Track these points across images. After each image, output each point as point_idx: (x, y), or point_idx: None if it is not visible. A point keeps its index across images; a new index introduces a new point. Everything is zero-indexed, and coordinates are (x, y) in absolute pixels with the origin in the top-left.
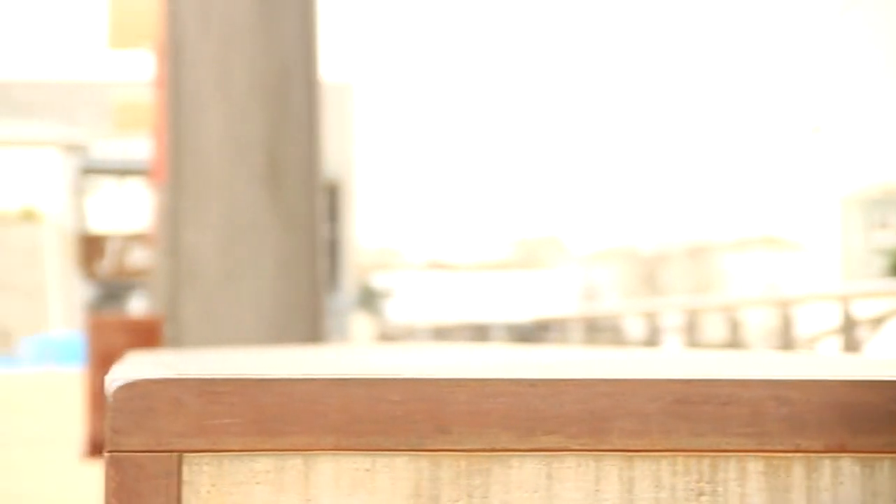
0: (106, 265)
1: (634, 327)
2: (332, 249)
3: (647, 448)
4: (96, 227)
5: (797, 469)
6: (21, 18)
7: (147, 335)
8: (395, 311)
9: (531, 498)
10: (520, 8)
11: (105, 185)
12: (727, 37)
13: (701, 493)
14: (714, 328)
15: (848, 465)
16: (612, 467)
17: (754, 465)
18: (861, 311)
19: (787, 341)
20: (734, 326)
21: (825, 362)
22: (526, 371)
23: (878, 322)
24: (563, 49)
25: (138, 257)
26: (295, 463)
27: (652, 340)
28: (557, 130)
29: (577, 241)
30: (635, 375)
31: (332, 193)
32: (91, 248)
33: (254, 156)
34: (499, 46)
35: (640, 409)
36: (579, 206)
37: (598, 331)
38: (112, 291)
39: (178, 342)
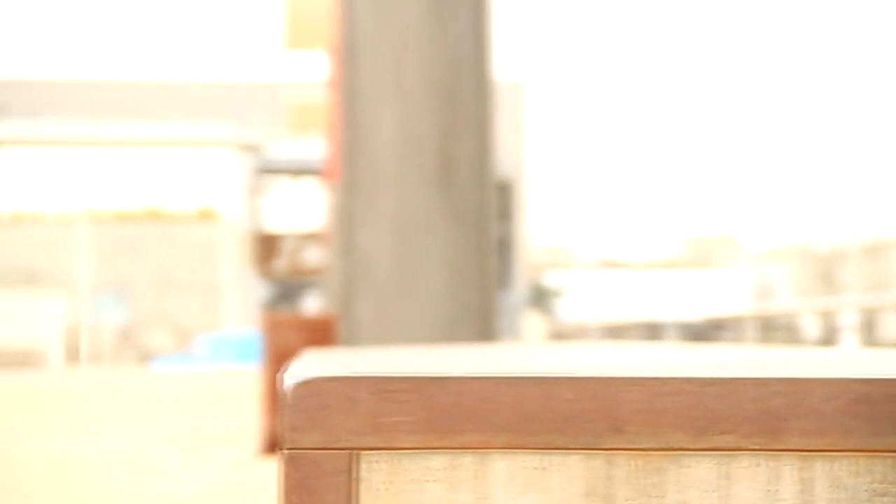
0: (281, 264)
1: (810, 326)
2: (504, 248)
3: (825, 448)
4: (271, 227)
5: None
6: (199, 21)
7: (321, 333)
8: (566, 310)
9: (706, 498)
10: (693, 5)
11: (280, 185)
12: None
13: (879, 494)
14: (892, 326)
15: None
16: (788, 467)
17: None
18: None
19: None
20: None
21: None
22: (700, 370)
23: None
24: (739, 46)
25: (312, 256)
26: (468, 461)
27: (828, 339)
28: (732, 127)
29: (751, 239)
30: (812, 374)
31: (504, 192)
32: (266, 247)
33: (427, 155)
34: (673, 43)
35: (817, 409)
36: (753, 204)
37: (773, 329)
38: (286, 290)
39: (351, 340)
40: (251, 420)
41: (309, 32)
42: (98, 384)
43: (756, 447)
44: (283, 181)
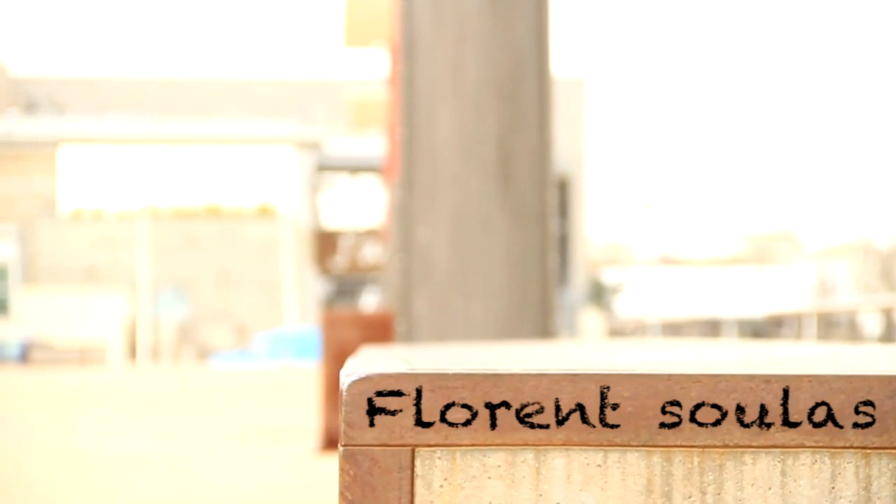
0: (339, 261)
1: (871, 323)
2: (563, 245)
3: (885, 445)
4: (330, 224)
5: None
6: (259, 19)
7: (380, 330)
8: (625, 307)
9: (765, 495)
10: (754, 4)
11: (339, 182)
12: None
13: None
14: None
15: None
16: (848, 464)
17: None
18: None
19: None
20: None
21: None
22: (760, 367)
23: None
24: (796, 40)
25: (371, 253)
26: (527, 458)
27: (889, 336)
28: (790, 123)
29: (811, 236)
30: (872, 371)
31: (563, 188)
32: (325, 244)
33: (486, 152)
34: (731, 38)
35: (878, 406)
36: (813, 201)
37: (834, 326)
38: (345, 287)
39: (409, 337)
40: (310, 416)
41: (368, 30)
42: (158, 381)
43: (816, 444)
44: (343, 178)
